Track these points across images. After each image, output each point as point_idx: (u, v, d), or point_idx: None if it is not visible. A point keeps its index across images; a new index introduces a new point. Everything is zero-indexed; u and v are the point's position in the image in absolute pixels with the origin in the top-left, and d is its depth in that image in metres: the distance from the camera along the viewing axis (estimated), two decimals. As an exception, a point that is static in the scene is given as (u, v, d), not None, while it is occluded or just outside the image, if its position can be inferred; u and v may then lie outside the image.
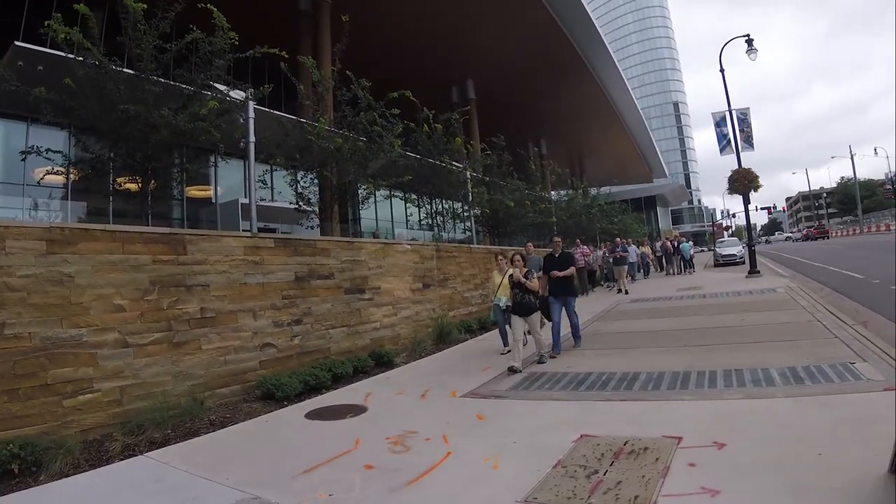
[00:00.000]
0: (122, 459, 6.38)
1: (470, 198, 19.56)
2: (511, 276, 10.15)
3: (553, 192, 37.34)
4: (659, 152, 72.52)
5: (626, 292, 22.12)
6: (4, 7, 20.33)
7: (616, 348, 10.86)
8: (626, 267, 24.15)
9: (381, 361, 10.85)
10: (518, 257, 10.32)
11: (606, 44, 41.34)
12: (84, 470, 6.08)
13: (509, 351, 10.30)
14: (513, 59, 36.15)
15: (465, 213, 20.38)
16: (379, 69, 19.73)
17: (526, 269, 10.06)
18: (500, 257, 11.73)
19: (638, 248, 30.55)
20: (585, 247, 24.59)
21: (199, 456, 6.37)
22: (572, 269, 11.23)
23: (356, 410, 7.82)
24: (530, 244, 14.37)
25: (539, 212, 25.42)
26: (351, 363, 10.12)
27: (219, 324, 8.69)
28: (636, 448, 5.16)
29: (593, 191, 38.35)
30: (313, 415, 7.81)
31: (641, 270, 30.58)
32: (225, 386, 8.63)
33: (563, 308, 10.98)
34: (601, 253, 26.55)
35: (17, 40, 15.03)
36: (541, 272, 10.97)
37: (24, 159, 10.82)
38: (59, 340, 6.88)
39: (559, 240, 11.89)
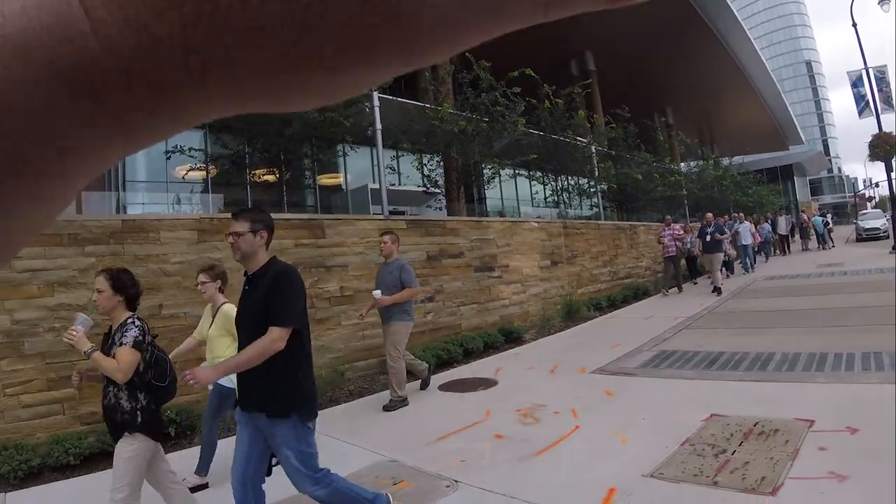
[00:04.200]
0: (271, 423, 6.88)
1: (596, 173, 19.33)
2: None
3: (682, 164, 36.08)
4: (793, 116, 68.72)
5: (719, 291, 15.68)
6: None
7: (750, 327, 10.42)
8: (720, 255, 17.08)
9: (510, 337, 10.98)
10: (206, 276, 5.50)
11: (729, 1, 39.61)
12: (234, 434, 6.56)
13: None
14: (632, 27, 35.20)
15: (592, 189, 20.07)
16: (495, 47, 19.53)
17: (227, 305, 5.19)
18: (202, 274, 5.71)
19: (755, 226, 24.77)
20: (677, 225, 17.91)
21: (340, 422, 6.91)
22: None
23: (487, 384, 8.07)
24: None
25: (668, 185, 24.39)
26: (481, 339, 10.34)
27: (356, 301, 9.14)
28: (766, 429, 5.07)
29: (725, 161, 36.65)
30: (446, 387, 8.16)
31: (762, 252, 26.16)
32: (362, 359, 9.14)
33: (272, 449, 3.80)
34: (692, 237, 18.73)
35: None
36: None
37: (168, 158, 11.74)
38: None
39: (243, 229, 3.69)
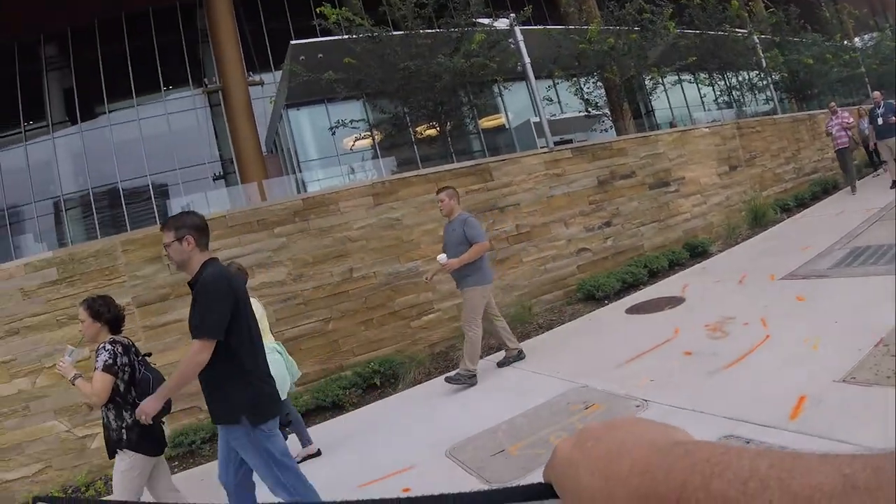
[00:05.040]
0: (463, 365, 7.32)
1: (763, 64, 18.17)
2: None
3: (856, 39, 32.92)
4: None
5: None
6: (271, 17, 22.87)
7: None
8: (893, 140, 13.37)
9: (695, 252, 10.65)
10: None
11: None
12: (434, 377, 7.21)
13: None
14: None
15: (763, 83, 18.88)
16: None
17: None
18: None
19: None
20: (846, 112, 14.82)
21: (531, 355, 7.07)
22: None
23: (674, 302, 7.92)
24: None
25: (844, 64, 22.42)
26: (665, 257, 10.09)
27: (534, 237, 9.30)
28: (965, 322, 4.62)
29: (902, 25, 32.94)
30: (632, 310, 8.11)
31: None
32: (548, 292, 9.26)
33: None
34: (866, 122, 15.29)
35: (291, 40, 16.57)
36: None
37: (333, 133, 12.39)
38: (399, 274, 8.11)
39: (169, 239, 3.68)
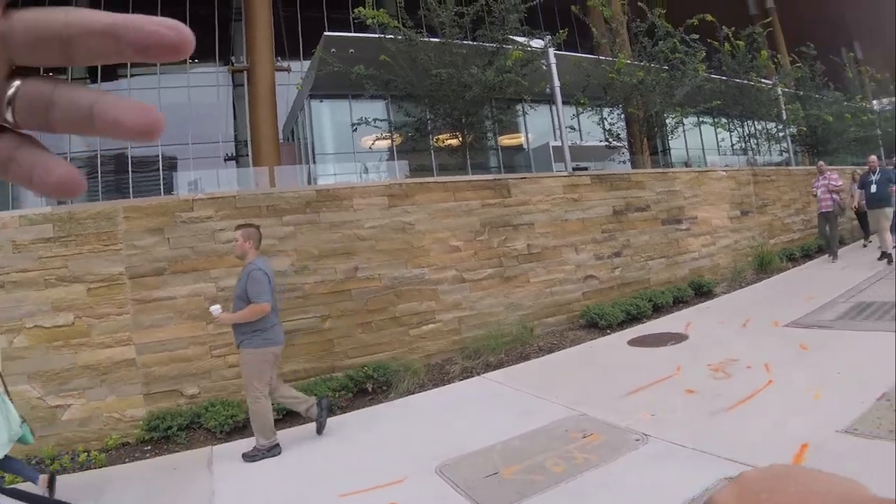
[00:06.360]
0: (461, 380, 7.41)
1: (784, 116, 18.26)
2: None
3: (875, 102, 33.13)
4: None
5: (890, 259, 11.76)
6: (307, 5, 22.93)
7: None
8: (889, 211, 12.30)
9: (700, 291, 10.70)
10: None
11: None
12: (428, 389, 7.18)
13: None
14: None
15: (780, 134, 18.96)
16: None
17: None
18: None
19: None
20: (834, 173, 13.57)
21: (530, 377, 7.10)
22: None
23: (677, 338, 7.95)
24: None
25: (861, 125, 22.51)
26: (671, 293, 10.13)
27: (544, 258, 9.31)
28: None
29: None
30: (635, 342, 8.12)
31: None
32: (551, 315, 9.26)
33: None
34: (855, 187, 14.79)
35: (325, 31, 16.54)
36: None
37: (355, 130, 12.50)
38: (404, 279, 8.06)
39: None
